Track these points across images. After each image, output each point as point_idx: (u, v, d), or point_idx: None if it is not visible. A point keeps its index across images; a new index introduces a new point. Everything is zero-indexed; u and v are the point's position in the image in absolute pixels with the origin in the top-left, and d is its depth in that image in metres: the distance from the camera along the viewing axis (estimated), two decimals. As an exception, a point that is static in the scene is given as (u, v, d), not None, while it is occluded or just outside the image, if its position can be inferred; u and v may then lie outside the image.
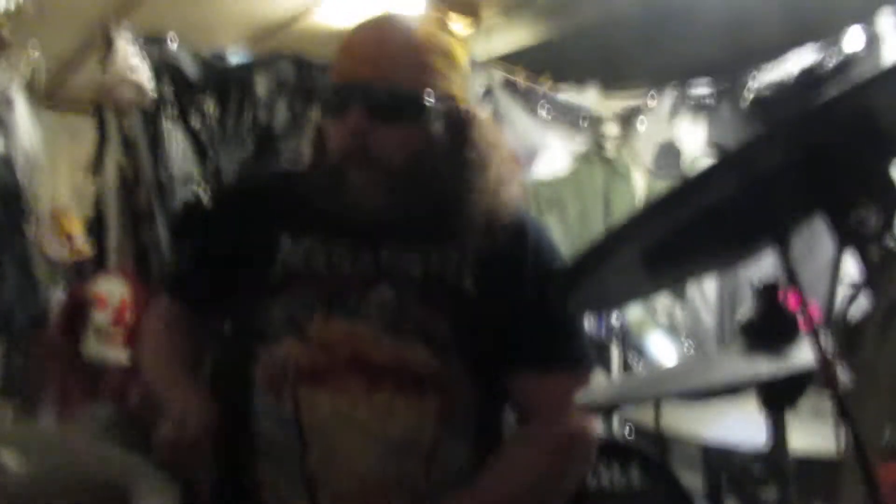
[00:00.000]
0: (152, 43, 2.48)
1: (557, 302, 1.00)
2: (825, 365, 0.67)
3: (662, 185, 3.38)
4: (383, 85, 1.00)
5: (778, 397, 0.79)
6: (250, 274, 1.08)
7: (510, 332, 1.05)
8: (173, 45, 2.53)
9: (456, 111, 1.05)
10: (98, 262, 2.39)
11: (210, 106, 2.61)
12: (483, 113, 1.11)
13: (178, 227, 1.41)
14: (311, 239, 1.06)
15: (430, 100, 1.01)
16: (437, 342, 1.02)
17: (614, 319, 2.37)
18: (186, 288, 1.22)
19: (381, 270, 1.04)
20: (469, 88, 1.12)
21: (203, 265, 1.20)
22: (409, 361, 1.01)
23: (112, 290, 2.17)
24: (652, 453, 1.48)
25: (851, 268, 0.64)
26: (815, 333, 0.68)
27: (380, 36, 1.04)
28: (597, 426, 1.13)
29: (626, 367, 2.39)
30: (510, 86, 3.26)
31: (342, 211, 1.03)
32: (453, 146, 1.04)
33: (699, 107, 3.37)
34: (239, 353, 1.09)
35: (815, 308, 0.71)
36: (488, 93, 3.16)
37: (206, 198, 2.44)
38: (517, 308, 1.06)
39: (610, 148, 3.45)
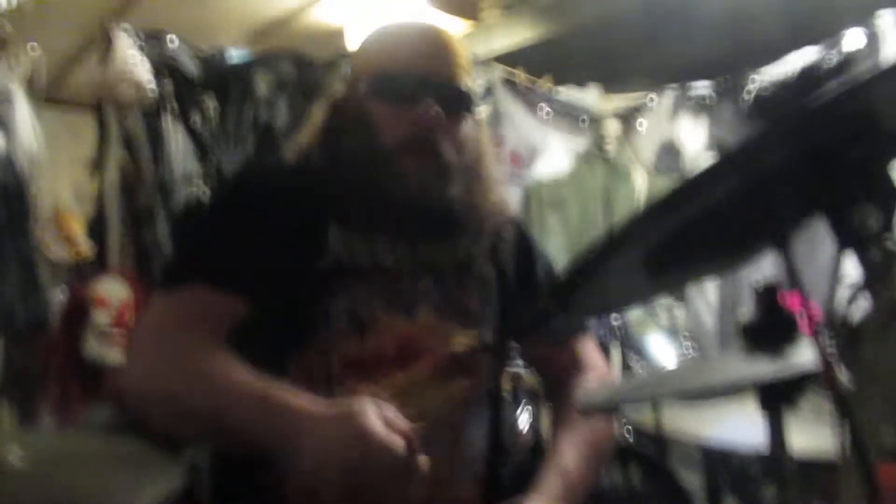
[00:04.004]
0: (152, 41, 2.48)
1: (559, 303, 1.03)
2: (826, 365, 0.67)
3: (663, 185, 3.38)
4: (448, 81, 1.08)
5: (778, 398, 0.79)
6: (296, 260, 1.01)
7: (532, 308, 1.18)
8: (173, 44, 2.53)
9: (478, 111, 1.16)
10: (99, 263, 2.38)
11: (210, 104, 2.61)
12: (482, 113, 1.20)
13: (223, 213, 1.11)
14: (357, 231, 1.06)
15: (475, 95, 1.12)
16: (472, 319, 1.10)
17: (614, 319, 2.37)
18: (221, 269, 1.00)
19: (419, 264, 1.08)
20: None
21: (249, 250, 1.01)
22: (453, 350, 1.07)
23: (113, 290, 2.17)
24: (652, 454, 1.49)
25: (852, 268, 0.63)
26: (815, 334, 0.68)
27: (433, 36, 1.11)
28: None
29: (626, 367, 2.39)
30: (510, 85, 3.26)
31: (390, 199, 1.05)
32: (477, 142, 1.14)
33: (699, 106, 3.37)
34: (271, 346, 1.00)
35: (816, 308, 0.71)
36: (488, 92, 3.16)
37: (207, 196, 2.44)
38: (535, 287, 1.19)
39: (610, 147, 3.45)
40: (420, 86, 1.05)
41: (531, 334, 1.20)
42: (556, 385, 1.22)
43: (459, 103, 1.09)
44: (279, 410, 0.88)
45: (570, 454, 1.07)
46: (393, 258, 1.07)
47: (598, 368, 1.22)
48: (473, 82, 1.13)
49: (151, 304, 1.03)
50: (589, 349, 1.23)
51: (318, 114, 1.15)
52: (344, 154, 1.08)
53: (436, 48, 1.10)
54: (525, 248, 1.22)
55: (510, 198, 1.24)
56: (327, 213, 1.05)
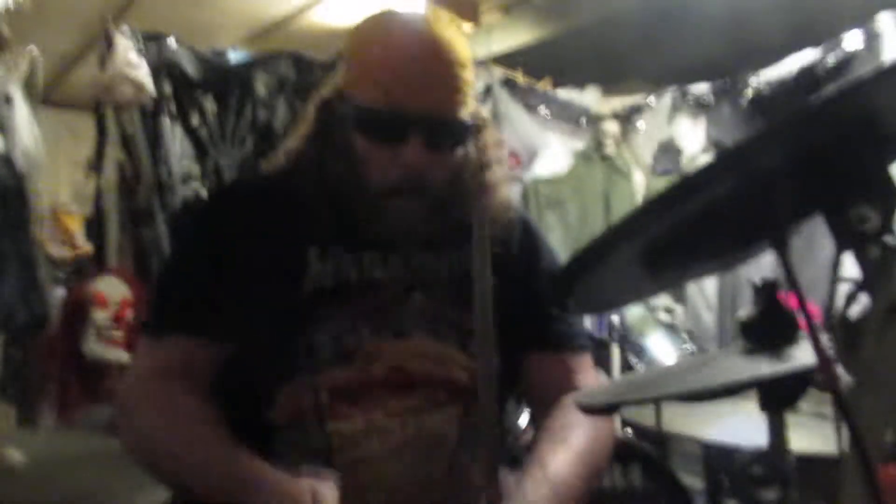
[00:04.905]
0: (152, 41, 2.48)
1: (558, 299, 1.01)
2: (825, 365, 0.67)
3: (662, 184, 3.39)
4: (441, 116, 0.98)
5: (778, 397, 0.79)
6: (275, 292, 0.98)
7: (529, 317, 1.07)
8: (173, 45, 2.53)
9: (479, 122, 1.05)
10: (98, 262, 2.39)
11: (209, 105, 2.61)
12: (484, 112, 1.12)
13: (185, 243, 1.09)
14: (340, 251, 1.01)
15: (472, 124, 1.01)
16: (470, 338, 1.02)
17: (614, 319, 2.36)
18: (197, 317, 0.99)
19: (412, 277, 1.02)
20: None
21: (210, 288, 1.00)
22: (447, 369, 1.01)
23: (112, 289, 2.17)
24: (652, 453, 1.48)
25: (851, 268, 0.64)
26: (814, 333, 0.68)
27: (423, 55, 0.98)
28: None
29: (626, 367, 2.39)
30: (510, 85, 3.26)
31: (361, 215, 1.00)
32: (475, 155, 1.05)
33: (699, 105, 3.37)
34: (255, 385, 0.98)
35: (815, 308, 0.71)
36: (488, 92, 3.16)
37: (207, 202, 2.43)
38: (533, 296, 1.08)
39: (610, 147, 3.45)
40: (407, 124, 0.96)
41: (529, 342, 1.09)
42: (543, 399, 1.10)
43: (454, 136, 1.00)
44: (239, 479, 0.90)
45: (561, 466, 0.96)
46: (382, 274, 1.01)
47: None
48: (473, 94, 1.02)
49: (139, 352, 1.04)
50: (585, 367, 1.11)
51: (308, 116, 1.08)
52: (329, 183, 1.01)
53: (429, 70, 0.97)
54: (529, 253, 1.12)
55: (512, 197, 1.17)
56: (307, 234, 1.00)
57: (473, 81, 1.03)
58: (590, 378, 1.10)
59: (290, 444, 0.97)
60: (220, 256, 1.00)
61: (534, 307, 1.08)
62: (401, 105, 0.96)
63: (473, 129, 1.02)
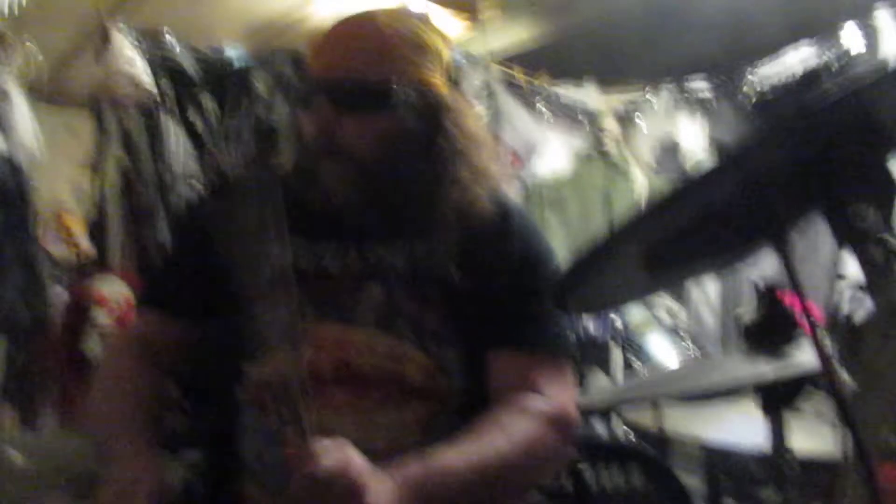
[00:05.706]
0: (150, 39, 2.48)
1: (557, 301, 0.99)
2: (826, 366, 0.67)
3: (662, 183, 3.39)
4: (344, 76, 1.02)
5: (778, 398, 0.79)
6: (234, 278, 1.00)
7: (491, 313, 1.03)
8: (171, 42, 2.53)
9: (427, 98, 1.04)
10: (99, 262, 2.38)
11: (209, 103, 2.60)
12: (460, 99, 1.09)
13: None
14: (296, 238, 1.01)
15: (394, 87, 1.01)
16: (429, 337, 1.00)
17: (615, 319, 2.36)
18: (169, 295, 1.10)
19: (368, 268, 1.02)
20: (451, 75, 1.09)
21: (185, 269, 1.10)
22: (400, 366, 0.98)
23: (113, 289, 2.17)
24: (652, 454, 1.48)
25: (853, 268, 0.63)
26: (816, 334, 0.68)
27: (345, 30, 1.05)
28: (577, 414, 1.04)
29: (626, 367, 2.38)
30: (510, 84, 3.26)
31: (320, 206, 1.03)
32: (427, 133, 1.04)
33: (699, 104, 3.37)
34: (225, 363, 1.02)
35: (816, 309, 0.71)
36: (488, 91, 3.15)
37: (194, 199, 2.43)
38: (499, 292, 1.04)
39: (610, 146, 3.45)
40: (316, 87, 1.03)
41: (490, 338, 1.03)
42: (494, 400, 1.01)
43: (360, 98, 1.01)
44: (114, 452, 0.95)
45: (451, 460, 0.89)
46: (336, 263, 1.02)
47: (554, 400, 1.00)
48: (415, 66, 1.02)
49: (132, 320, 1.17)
50: (551, 372, 1.02)
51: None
52: (293, 161, 1.11)
53: (343, 43, 1.03)
54: (500, 248, 1.07)
55: (494, 185, 1.10)
56: (268, 223, 0.99)
57: (430, 62, 1.04)
58: (556, 384, 1.02)
59: (255, 431, 0.99)
60: (191, 245, 1.12)
61: (499, 303, 1.04)
62: (314, 69, 1.04)
63: (402, 98, 1.02)
